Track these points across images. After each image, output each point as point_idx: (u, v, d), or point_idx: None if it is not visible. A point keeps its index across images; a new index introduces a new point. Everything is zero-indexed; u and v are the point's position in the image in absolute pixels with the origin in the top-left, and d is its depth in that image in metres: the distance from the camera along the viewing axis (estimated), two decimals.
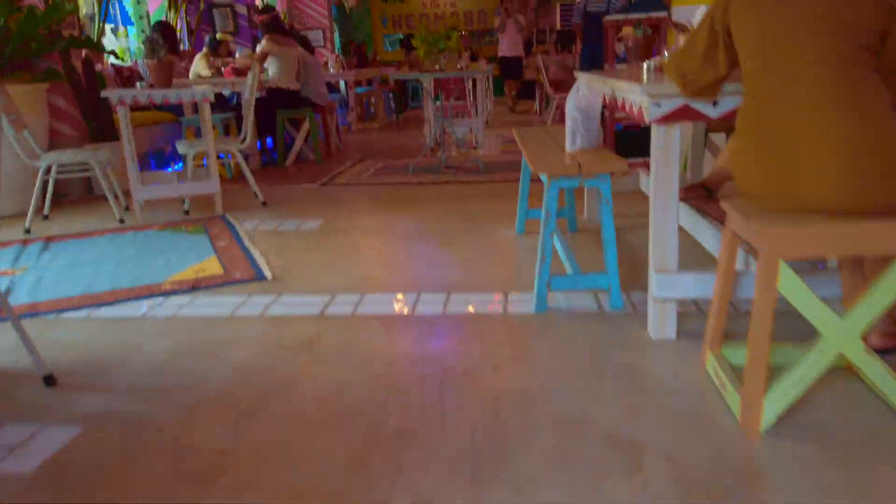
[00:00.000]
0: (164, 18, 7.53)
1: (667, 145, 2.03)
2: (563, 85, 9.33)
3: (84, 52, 4.95)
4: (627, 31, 5.57)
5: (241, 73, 6.13)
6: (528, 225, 3.62)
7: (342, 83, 9.60)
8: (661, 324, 2.16)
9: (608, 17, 4.72)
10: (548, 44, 12.61)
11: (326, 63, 9.52)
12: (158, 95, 4.09)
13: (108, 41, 8.43)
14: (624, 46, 5.99)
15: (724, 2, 1.78)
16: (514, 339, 2.26)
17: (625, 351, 2.12)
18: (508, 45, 10.10)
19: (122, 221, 4.15)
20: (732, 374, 1.79)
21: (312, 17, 11.63)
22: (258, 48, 6.05)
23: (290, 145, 6.67)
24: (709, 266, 2.27)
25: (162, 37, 5.93)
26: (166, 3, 7.46)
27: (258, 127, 6.20)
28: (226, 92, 6.10)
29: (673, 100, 1.96)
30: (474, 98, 7.75)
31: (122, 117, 4.00)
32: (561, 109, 8.70)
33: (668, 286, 2.10)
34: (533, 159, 2.52)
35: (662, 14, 4.47)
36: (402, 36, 14.83)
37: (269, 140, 6.64)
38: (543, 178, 2.44)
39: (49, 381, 2.05)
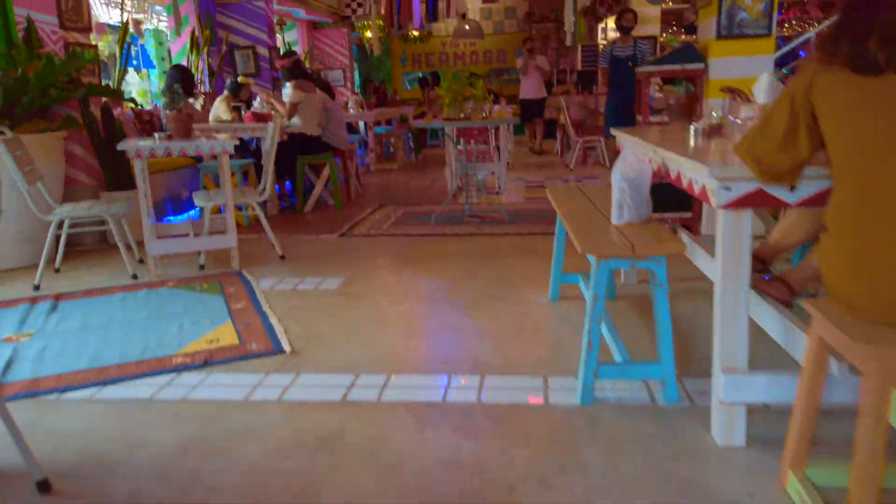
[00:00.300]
0: (184, 61, 7.50)
1: (736, 232, 1.81)
2: (585, 126, 9.21)
3: (103, 99, 4.86)
4: (667, 88, 5.43)
5: (261, 118, 6.03)
6: (563, 289, 3.40)
7: (362, 124, 9.52)
8: (728, 430, 1.91)
9: (642, 69, 4.55)
10: (568, 84, 12.53)
11: (346, 104, 9.47)
12: (176, 148, 3.95)
13: (130, 78, 8.44)
14: (665, 103, 5.85)
15: (808, 77, 1.57)
16: (560, 441, 2.02)
17: (687, 461, 1.87)
18: (531, 87, 9.93)
19: (134, 277, 3.99)
20: (822, 501, 1.54)
21: (333, 57, 11.66)
22: (285, 95, 5.94)
23: (309, 189, 6.55)
24: (779, 357, 2.03)
25: (180, 82, 5.88)
26: (188, 45, 7.42)
27: (277, 171, 6.08)
28: (245, 136, 5.99)
29: (745, 183, 1.75)
30: (496, 141, 7.60)
31: (139, 171, 3.86)
32: (584, 151, 8.54)
33: (738, 389, 1.86)
34: (578, 235, 2.31)
35: (699, 66, 4.30)
36: (420, 74, 14.87)
37: (287, 184, 6.52)
38: (591, 258, 2.23)
39: (43, 487, 1.84)
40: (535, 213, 5.63)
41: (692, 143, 2.41)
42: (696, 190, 1.99)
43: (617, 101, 7.02)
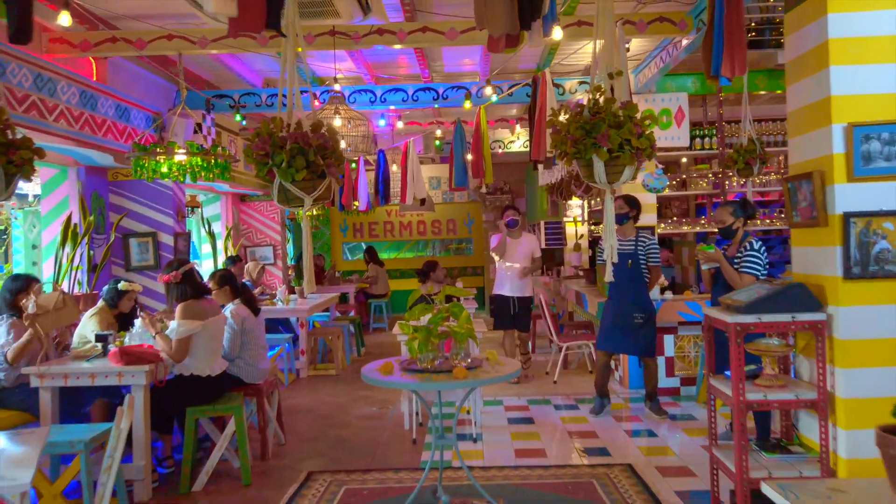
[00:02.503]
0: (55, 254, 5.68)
1: None
2: (568, 325, 7.72)
3: None
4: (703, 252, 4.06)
5: (135, 357, 4.08)
6: None
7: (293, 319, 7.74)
8: None
9: (737, 320, 3.01)
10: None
11: (273, 297, 7.73)
12: None
13: None
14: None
15: None
16: None
17: None
18: (509, 279, 6.67)
19: None
20: None
21: (262, 233, 10.10)
22: (171, 328, 4.12)
23: (204, 444, 4.58)
24: None
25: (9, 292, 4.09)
26: (60, 235, 5.64)
27: (153, 423, 4.13)
28: (106, 383, 4.05)
29: None
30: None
31: None
32: (569, 359, 6.92)
33: None
34: None
35: (819, 318, 2.81)
36: (364, 245, 13.48)
37: (175, 430, 4.53)
38: None
39: None
40: (538, 490, 3.81)
41: None
42: None
43: (612, 313, 5.53)
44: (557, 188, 9.03)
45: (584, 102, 2.76)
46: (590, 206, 9.71)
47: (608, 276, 3.27)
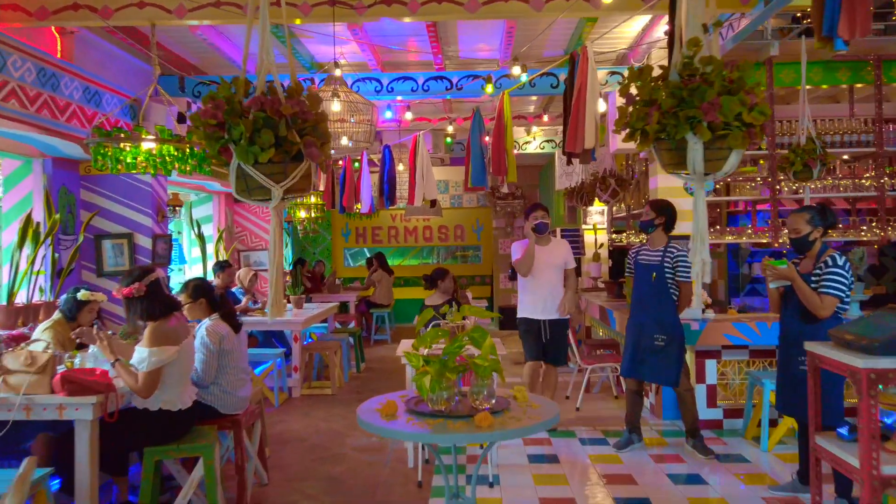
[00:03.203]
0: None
1: None
2: (592, 343, 6.96)
3: None
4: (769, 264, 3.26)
5: (79, 387, 3.34)
6: None
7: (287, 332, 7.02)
8: None
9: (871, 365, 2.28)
10: None
11: (263, 306, 7.01)
12: None
13: None
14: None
15: None
16: None
17: None
18: (539, 298, 5.16)
19: None
20: None
21: (257, 236, 9.39)
22: (137, 354, 3.36)
23: (171, 483, 3.87)
24: None
25: None
26: (18, 235, 4.93)
27: (102, 461, 3.41)
28: (42, 417, 3.32)
29: None
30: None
31: None
32: (591, 381, 6.15)
33: None
34: None
35: None
36: (367, 253, 12.76)
37: (133, 468, 3.80)
38: None
39: None
40: None
41: None
42: None
43: (633, 334, 4.79)
44: (578, 193, 8.31)
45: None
46: (611, 214, 8.98)
47: (695, 304, 2.52)
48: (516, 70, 4.59)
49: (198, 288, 4.05)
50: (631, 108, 1.94)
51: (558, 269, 5.19)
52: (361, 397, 6.72)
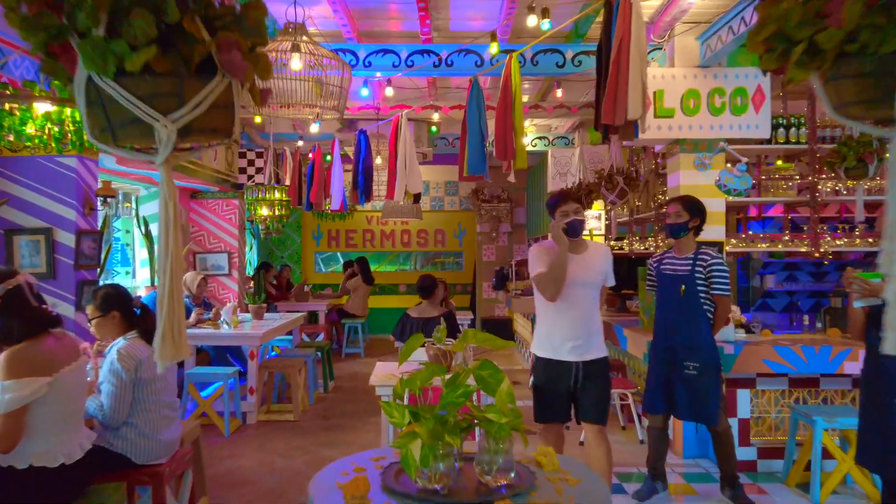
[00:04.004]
0: None
1: None
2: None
3: None
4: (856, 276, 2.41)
5: None
6: None
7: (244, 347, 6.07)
8: None
9: None
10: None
11: (217, 314, 6.04)
12: None
13: None
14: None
15: None
16: None
17: None
18: (574, 323, 3.45)
19: None
20: None
21: (216, 237, 8.39)
22: None
23: None
24: None
25: None
26: None
27: None
28: None
29: None
30: None
31: None
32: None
33: None
34: None
35: None
36: (341, 258, 11.80)
37: None
38: None
39: None
40: None
41: None
42: None
43: (658, 359, 3.94)
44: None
45: None
46: (614, 218, 8.15)
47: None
48: (531, 20, 3.66)
49: (108, 298, 3.09)
50: (786, 2, 1.10)
51: (595, 288, 3.51)
52: (328, 424, 5.78)
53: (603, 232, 8.27)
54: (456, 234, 12.07)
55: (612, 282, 3.57)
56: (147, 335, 3.13)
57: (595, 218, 8.23)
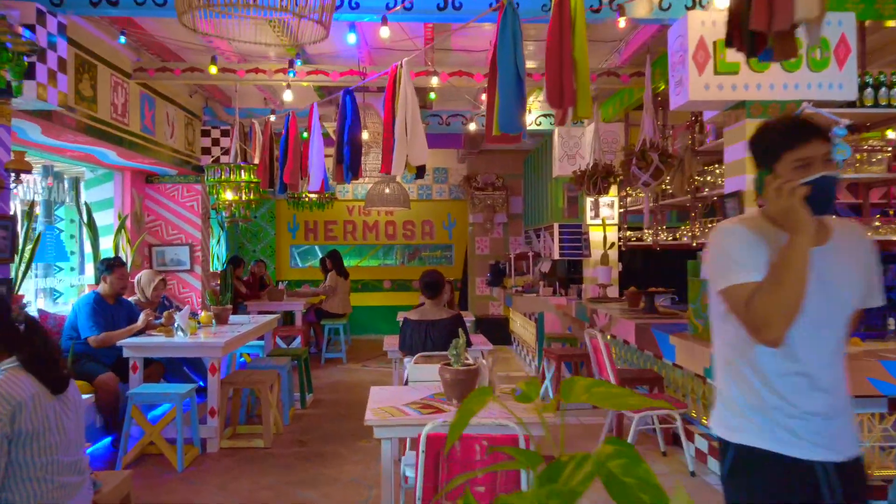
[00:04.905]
0: None
1: None
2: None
3: None
4: None
5: None
6: None
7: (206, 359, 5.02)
8: None
9: None
10: (533, 278, 8.73)
11: (171, 321, 4.97)
12: None
13: None
14: None
15: None
16: None
17: None
18: (818, 383, 1.76)
19: None
20: None
21: (176, 227, 7.28)
22: None
23: None
24: None
25: None
26: None
27: None
28: None
29: None
30: None
31: None
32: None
33: None
34: None
35: None
36: (319, 252, 10.73)
37: None
38: None
39: None
40: None
41: None
42: None
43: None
44: (591, 177, 6.52)
45: None
46: (623, 206, 7.22)
47: None
48: None
49: None
50: None
51: (851, 309, 1.83)
52: (307, 452, 4.75)
53: (617, 221, 7.33)
54: (445, 226, 11.09)
55: (880, 298, 1.86)
56: (33, 364, 2.09)
57: (608, 206, 7.28)
